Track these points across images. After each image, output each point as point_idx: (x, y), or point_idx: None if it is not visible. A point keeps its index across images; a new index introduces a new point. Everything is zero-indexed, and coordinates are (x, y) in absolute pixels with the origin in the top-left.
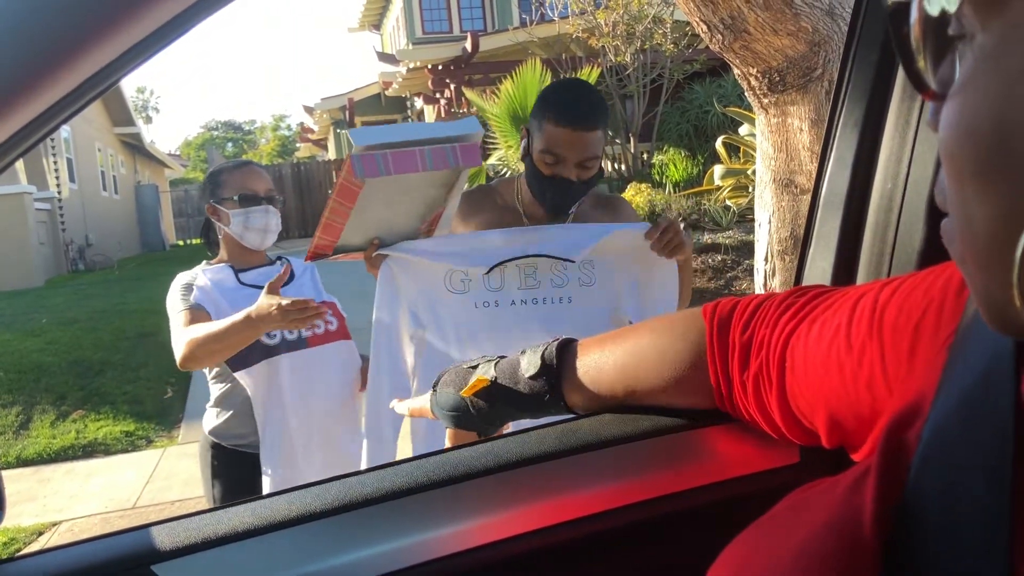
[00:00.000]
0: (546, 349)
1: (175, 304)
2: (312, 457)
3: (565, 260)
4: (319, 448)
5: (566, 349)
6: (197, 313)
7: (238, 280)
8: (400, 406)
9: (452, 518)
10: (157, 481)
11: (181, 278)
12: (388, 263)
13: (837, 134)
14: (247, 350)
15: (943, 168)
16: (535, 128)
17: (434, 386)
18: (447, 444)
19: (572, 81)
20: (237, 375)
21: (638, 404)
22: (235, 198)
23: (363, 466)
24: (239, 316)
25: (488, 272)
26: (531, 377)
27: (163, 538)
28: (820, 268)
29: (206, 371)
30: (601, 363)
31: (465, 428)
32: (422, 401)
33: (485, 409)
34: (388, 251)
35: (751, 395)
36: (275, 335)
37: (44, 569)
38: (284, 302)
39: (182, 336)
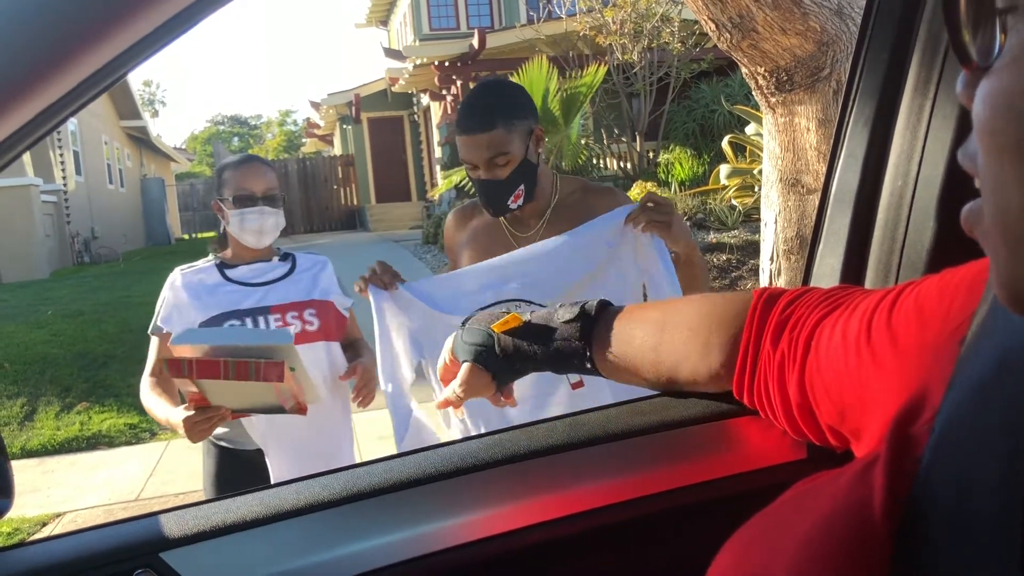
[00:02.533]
0: (587, 302)
1: (154, 315)
2: (288, 458)
3: (538, 305)
4: (295, 450)
5: (608, 306)
6: (162, 342)
7: (224, 276)
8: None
9: (460, 509)
10: (160, 474)
11: (169, 279)
12: (377, 299)
13: (848, 131)
14: None
15: (979, 144)
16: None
17: (463, 323)
18: (458, 386)
19: (477, 86)
20: None
21: (662, 366)
22: (231, 198)
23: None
24: (162, 415)
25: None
26: (565, 321)
27: (172, 526)
28: (829, 265)
29: None
30: (640, 316)
31: (484, 365)
32: (446, 349)
33: (510, 349)
34: (372, 294)
35: (775, 371)
36: None
37: (52, 556)
38: (186, 416)
39: (143, 384)
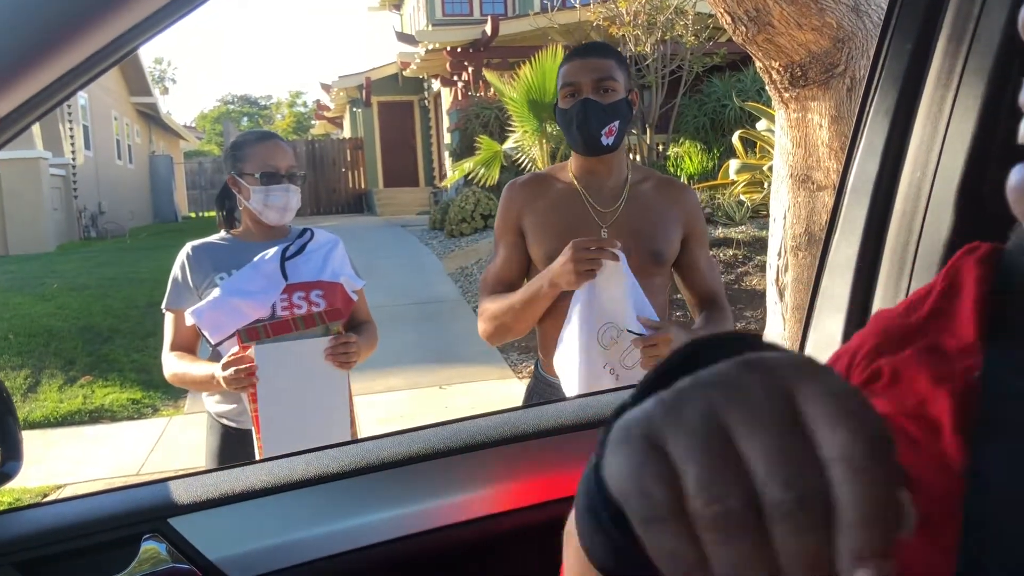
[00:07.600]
0: None
1: (167, 290)
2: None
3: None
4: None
5: None
6: (179, 319)
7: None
8: None
9: (470, 485)
10: (161, 450)
11: (180, 254)
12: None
13: (868, 121)
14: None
15: None
16: (558, 85)
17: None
18: None
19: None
20: (220, 350)
21: None
22: (256, 175)
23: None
24: (200, 372)
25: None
26: None
27: (180, 493)
28: (845, 255)
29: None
30: None
31: None
32: None
33: None
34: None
35: None
36: None
37: (64, 517)
38: (224, 374)
39: (165, 358)
